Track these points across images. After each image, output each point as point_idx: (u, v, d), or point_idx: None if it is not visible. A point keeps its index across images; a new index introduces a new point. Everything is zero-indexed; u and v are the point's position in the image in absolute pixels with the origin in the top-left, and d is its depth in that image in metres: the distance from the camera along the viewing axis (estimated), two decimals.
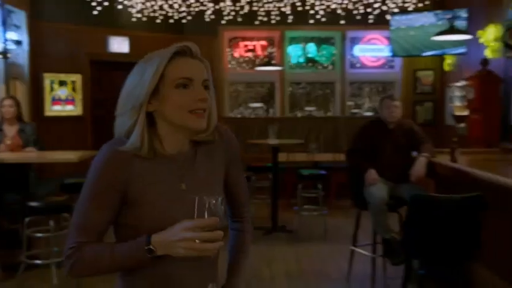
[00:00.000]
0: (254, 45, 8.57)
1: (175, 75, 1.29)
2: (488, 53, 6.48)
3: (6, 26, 6.10)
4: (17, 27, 6.49)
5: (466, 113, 5.05)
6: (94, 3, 6.83)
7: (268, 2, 7.48)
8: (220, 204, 1.22)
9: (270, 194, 6.31)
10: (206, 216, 1.20)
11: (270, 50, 8.60)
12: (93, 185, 1.30)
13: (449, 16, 6.65)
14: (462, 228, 3.03)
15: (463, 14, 6.98)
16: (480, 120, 6.37)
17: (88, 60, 7.48)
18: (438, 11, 7.23)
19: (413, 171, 4.03)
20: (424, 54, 7.70)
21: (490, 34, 6.35)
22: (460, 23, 6.83)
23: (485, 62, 6.36)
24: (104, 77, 7.63)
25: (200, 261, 1.32)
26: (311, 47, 8.65)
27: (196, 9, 7.40)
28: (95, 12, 6.85)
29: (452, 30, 5.85)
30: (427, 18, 7.09)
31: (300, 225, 5.89)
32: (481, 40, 6.56)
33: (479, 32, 6.51)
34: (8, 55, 6.07)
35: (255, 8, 7.50)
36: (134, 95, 1.30)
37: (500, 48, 6.18)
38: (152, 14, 7.40)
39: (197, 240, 1.20)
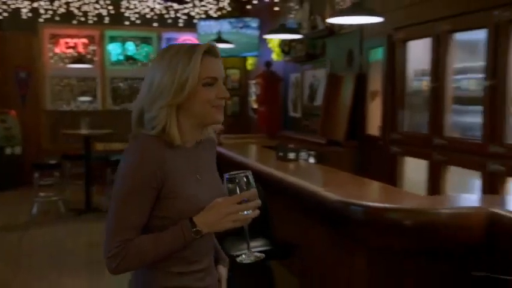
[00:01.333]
0: (75, 43, 9.08)
1: (204, 74, 1.41)
2: (274, 56, 7.82)
3: None
4: None
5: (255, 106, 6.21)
6: None
7: (84, 4, 8.06)
8: (250, 178, 1.40)
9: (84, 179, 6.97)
10: (238, 191, 1.38)
11: (91, 47, 9.17)
12: (131, 183, 1.36)
13: (241, 25, 7.84)
14: None
15: (254, 23, 8.26)
16: (266, 111, 7.68)
17: None
18: (232, 19, 8.41)
19: None
20: (229, 55, 8.87)
21: (275, 41, 7.68)
22: (251, 32, 8.09)
23: (268, 63, 7.68)
24: None
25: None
26: (130, 46, 9.40)
27: (12, 6, 7.73)
28: None
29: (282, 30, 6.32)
30: (223, 26, 8.21)
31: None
32: (269, 45, 7.89)
33: (268, 39, 7.81)
34: None
35: (71, 9, 8.02)
36: (170, 91, 1.39)
37: (281, 53, 7.53)
38: None
39: (241, 212, 1.37)
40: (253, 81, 8.71)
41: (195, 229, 1.35)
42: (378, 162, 5.06)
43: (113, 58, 9.34)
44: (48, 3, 7.80)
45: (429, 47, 4.29)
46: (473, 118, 3.88)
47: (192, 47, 1.41)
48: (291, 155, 3.89)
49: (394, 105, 4.86)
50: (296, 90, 7.36)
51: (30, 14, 7.86)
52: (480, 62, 3.79)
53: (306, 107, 7.00)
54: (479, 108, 3.77)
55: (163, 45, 9.53)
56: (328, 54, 6.27)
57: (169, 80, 1.38)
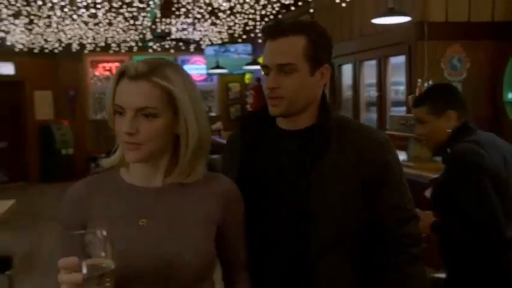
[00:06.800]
0: (110, 67, 11.67)
1: (115, 101, 1.18)
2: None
3: None
4: None
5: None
6: None
7: (118, 37, 10.59)
8: (105, 240, 1.01)
9: None
10: (102, 251, 1.01)
11: None
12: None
13: (233, 49, 10.37)
14: None
15: (248, 48, 10.77)
16: None
17: None
18: (230, 46, 10.91)
19: None
20: (233, 72, 11.34)
21: None
22: (246, 57, 10.61)
23: (258, 79, 10.16)
24: None
25: None
26: None
27: (65, 42, 10.27)
28: None
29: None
30: (222, 50, 10.75)
31: None
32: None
33: (259, 59, 10.26)
34: None
35: (109, 42, 10.56)
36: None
37: None
38: (31, 46, 10.13)
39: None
40: (248, 92, 11.19)
41: None
42: None
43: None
44: (91, 39, 10.33)
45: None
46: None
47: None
48: None
49: (335, 108, 7.29)
50: None
51: (78, 47, 10.39)
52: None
53: None
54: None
55: None
56: None
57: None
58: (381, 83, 6.06)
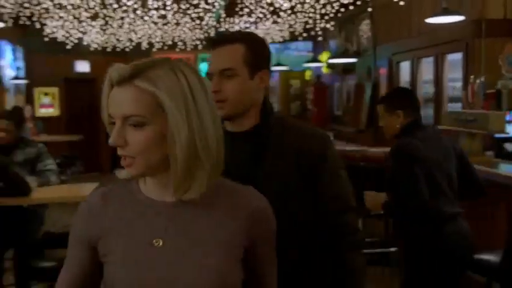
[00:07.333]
0: None
1: (108, 110, 1.08)
2: (323, 70, 10.53)
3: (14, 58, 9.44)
4: (17, 58, 9.81)
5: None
6: (66, 41, 10.23)
7: (184, 35, 11.14)
8: None
9: None
10: None
11: None
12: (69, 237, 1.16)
13: (294, 47, 10.66)
14: None
15: (308, 45, 11.03)
16: (317, 111, 10.40)
17: (63, 78, 10.92)
18: (291, 43, 11.20)
19: None
20: (293, 69, 11.64)
21: (324, 58, 10.37)
22: (306, 55, 10.87)
23: (318, 76, 10.41)
24: (73, 90, 11.10)
25: None
26: None
27: (136, 41, 10.92)
28: (68, 47, 10.25)
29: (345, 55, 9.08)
30: (283, 47, 11.05)
31: None
32: (321, 61, 10.61)
33: (319, 56, 10.51)
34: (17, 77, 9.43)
35: (175, 40, 11.12)
36: None
37: (328, 67, 10.23)
38: (104, 45, 10.85)
39: None
40: (308, 89, 11.45)
41: None
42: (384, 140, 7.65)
43: (204, 74, 12.38)
44: (160, 38, 10.92)
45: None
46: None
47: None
48: None
49: None
50: (338, 95, 10.03)
51: (147, 46, 11.01)
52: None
53: (344, 107, 9.65)
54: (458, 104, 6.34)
55: None
56: (356, 69, 8.91)
57: None
58: (438, 80, 6.19)
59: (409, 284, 2.61)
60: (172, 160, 1.04)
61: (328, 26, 8.60)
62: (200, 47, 11.32)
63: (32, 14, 8.06)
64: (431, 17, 4.74)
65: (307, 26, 9.23)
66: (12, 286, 3.60)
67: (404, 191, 2.40)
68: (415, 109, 2.63)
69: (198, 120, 1.05)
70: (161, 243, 1.07)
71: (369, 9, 7.43)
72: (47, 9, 7.81)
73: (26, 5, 7.54)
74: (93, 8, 7.84)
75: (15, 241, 3.34)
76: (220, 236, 1.09)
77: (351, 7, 7.69)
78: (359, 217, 1.77)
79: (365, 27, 8.39)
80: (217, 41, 1.55)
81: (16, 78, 9.56)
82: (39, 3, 7.50)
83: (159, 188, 1.10)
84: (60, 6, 7.74)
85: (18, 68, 9.90)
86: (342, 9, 7.94)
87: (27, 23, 8.33)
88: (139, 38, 10.58)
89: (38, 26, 8.63)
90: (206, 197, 1.09)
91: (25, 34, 9.93)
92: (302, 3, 7.77)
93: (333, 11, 7.97)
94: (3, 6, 7.20)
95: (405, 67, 7.18)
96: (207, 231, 1.09)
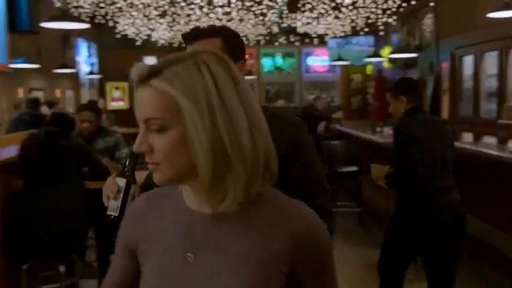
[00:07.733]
0: None
1: None
2: (385, 64, 10.54)
3: (89, 55, 10.08)
4: (91, 55, 10.46)
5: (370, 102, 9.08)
6: (136, 38, 10.77)
7: (247, 29, 11.46)
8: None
9: None
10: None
11: (250, 61, 12.60)
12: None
13: (355, 41, 10.72)
14: None
15: (370, 40, 11.05)
16: (378, 105, 10.43)
17: None
18: (352, 38, 11.26)
19: None
20: (355, 63, 11.70)
21: (386, 52, 10.39)
22: (367, 49, 10.91)
23: (380, 70, 10.42)
24: None
25: None
26: (278, 59, 12.69)
27: None
28: (137, 43, 10.80)
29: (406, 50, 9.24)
30: (344, 42, 11.13)
31: None
32: (383, 55, 10.63)
33: (381, 51, 10.53)
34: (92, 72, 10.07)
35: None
36: None
37: (389, 61, 10.24)
38: (171, 41, 11.33)
39: None
40: (370, 83, 11.48)
41: None
42: None
43: (266, 69, 12.68)
44: None
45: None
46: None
47: None
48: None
49: (455, 98, 7.42)
50: None
51: None
52: None
53: None
54: None
55: (303, 58, 12.67)
56: (418, 63, 8.88)
57: None
58: (502, 74, 6.14)
59: (388, 241, 2.89)
60: (197, 165, 0.93)
61: (390, 20, 8.64)
62: (262, 42, 11.59)
63: (107, 13, 8.59)
64: (492, 12, 4.76)
65: (369, 21, 9.29)
66: (94, 262, 4.00)
67: (401, 165, 2.70)
68: (417, 96, 2.93)
69: (227, 117, 0.92)
70: (193, 259, 0.99)
71: (432, 3, 7.41)
72: (120, 8, 8.32)
73: (102, 4, 8.06)
74: (162, 6, 8.27)
75: (97, 220, 3.69)
76: (259, 254, 0.96)
77: (413, 2, 7.71)
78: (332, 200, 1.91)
79: (427, 21, 8.36)
80: (194, 36, 1.55)
81: (91, 73, 10.20)
82: (113, 3, 8.00)
83: (196, 197, 1.00)
84: (132, 5, 8.22)
85: (92, 64, 10.56)
86: (405, 4, 7.97)
87: (102, 21, 8.89)
88: None
89: (111, 24, 9.18)
90: (247, 210, 0.97)
91: (99, 32, 10.56)
92: None
93: (395, 5, 8.01)
94: (81, 7, 7.75)
95: (468, 61, 7.13)
96: (241, 250, 0.97)
